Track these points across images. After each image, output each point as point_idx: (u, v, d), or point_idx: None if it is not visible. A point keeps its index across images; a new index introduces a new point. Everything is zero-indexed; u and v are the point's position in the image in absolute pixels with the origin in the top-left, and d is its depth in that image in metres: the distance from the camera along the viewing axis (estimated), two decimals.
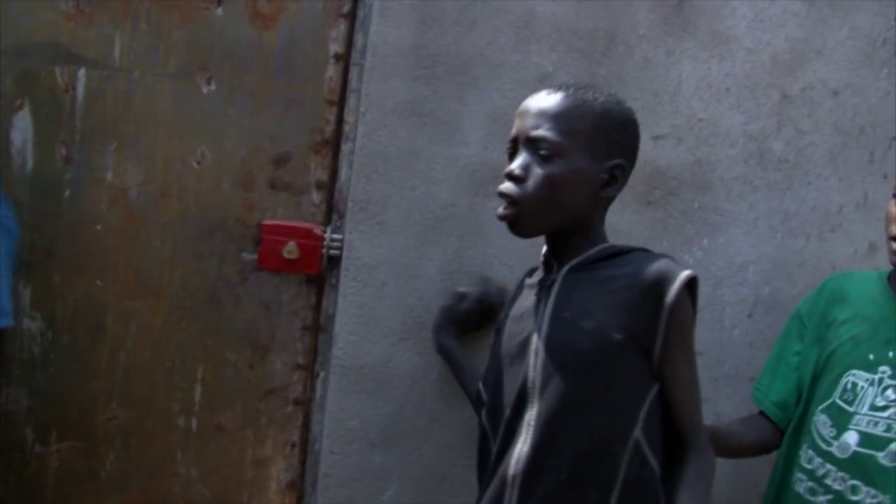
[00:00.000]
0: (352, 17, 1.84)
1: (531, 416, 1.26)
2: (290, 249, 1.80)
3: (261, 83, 1.83)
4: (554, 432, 1.25)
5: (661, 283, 1.27)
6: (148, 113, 1.80)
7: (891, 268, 1.59)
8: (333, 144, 1.85)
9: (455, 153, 1.79)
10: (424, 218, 1.78)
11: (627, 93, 1.85)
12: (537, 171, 1.29)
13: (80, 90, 1.78)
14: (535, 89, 1.78)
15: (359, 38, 1.83)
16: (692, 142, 1.89)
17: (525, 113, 1.34)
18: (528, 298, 1.39)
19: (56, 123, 1.78)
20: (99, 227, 1.80)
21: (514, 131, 1.36)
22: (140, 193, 1.81)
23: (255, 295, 1.85)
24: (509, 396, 1.31)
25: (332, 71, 1.85)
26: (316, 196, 1.85)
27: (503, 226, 1.80)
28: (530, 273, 1.48)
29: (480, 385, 1.47)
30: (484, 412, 1.41)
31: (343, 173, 1.83)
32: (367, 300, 1.77)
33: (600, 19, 1.84)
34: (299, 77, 1.84)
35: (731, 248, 1.91)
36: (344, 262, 1.78)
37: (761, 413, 1.72)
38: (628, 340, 1.26)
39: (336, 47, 1.84)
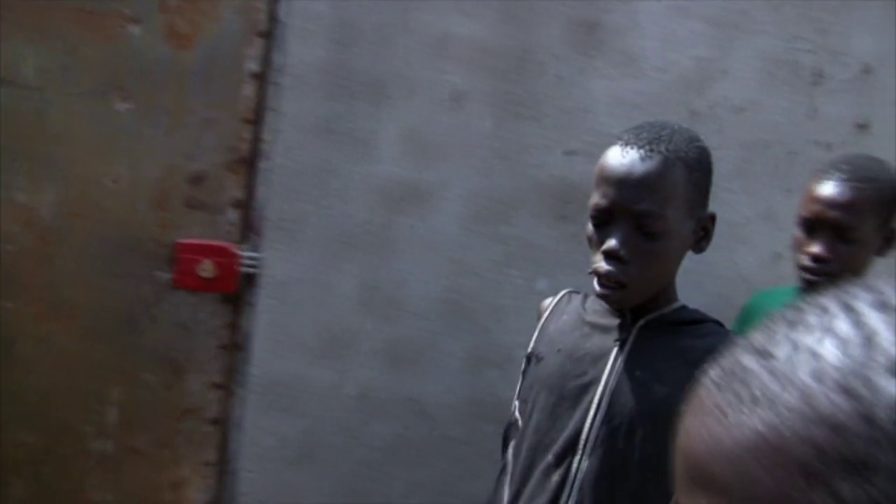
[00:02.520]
0: (269, 36, 1.88)
1: (579, 470, 1.21)
2: (207, 268, 1.82)
3: (177, 102, 1.85)
4: (605, 493, 1.20)
5: None
6: (62, 132, 1.81)
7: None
8: (250, 163, 1.87)
9: (370, 171, 1.83)
10: (340, 235, 1.82)
11: (540, 110, 1.91)
12: (643, 251, 1.19)
13: None
14: (449, 107, 1.85)
15: (276, 57, 1.87)
16: None
17: (621, 182, 1.20)
18: (590, 339, 1.29)
19: None
20: (10, 248, 1.80)
21: (604, 200, 1.21)
22: (54, 214, 1.81)
23: (172, 314, 1.86)
24: (553, 441, 1.24)
25: (248, 89, 1.88)
26: (232, 214, 1.87)
27: (418, 242, 1.85)
28: (569, 295, 1.41)
29: (516, 412, 1.37)
30: (513, 444, 1.33)
31: (260, 191, 1.85)
32: (282, 318, 1.79)
33: (514, 39, 1.91)
34: (216, 96, 1.87)
35: None
36: (260, 280, 1.80)
37: None
38: None
39: (253, 66, 1.88)
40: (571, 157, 1.95)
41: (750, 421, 0.37)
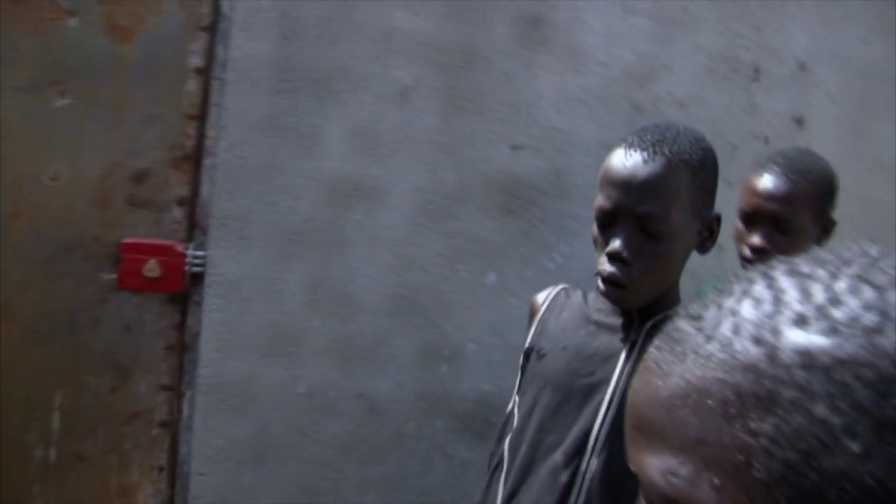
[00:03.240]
0: (212, 30, 1.85)
1: (588, 471, 1.21)
2: (152, 268, 1.79)
3: (118, 97, 1.81)
4: (615, 494, 1.20)
5: None
6: None
7: None
8: (194, 160, 1.85)
9: (317, 167, 1.82)
10: (287, 232, 1.81)
11: (486, 105, 1.93)
12: (646, 252, 1.21)
13: None
14: (396, 102, 1.86)
15: (220, 52, 1.84)
16: (550, 152, 1.98)
17: (624, 184, 1.20)
18: (597, 338, 1.29)
19: None
20: None
21: (608, 202, 1.22)
22: None
23: (116, 316, 1.82)
24: (560, 440, 1.24)
25: (192, 85, 1.85)
26: (177, 212, 1.85)
27: (366, 238, 1.85)
28: (566, 291, 1.41)
29: (514, 407, 1.37)
30: (510, 438, 1.33)
31: (205, 189, 1.83)
32: (230, 317, 1.78)
33: (460, 34, 1.92)
34: (159, 91, 1.83)
35: (588, 253, 1.98)
36: (207, 279, 1.78)
37: None
38: None
39: (196, 61, 1.85)
40: (517, 152, 1.97)
41: (679, 371, 0.44)
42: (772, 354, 0.40)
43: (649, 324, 1.27)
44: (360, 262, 1.86)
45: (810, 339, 0.40)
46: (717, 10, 2.08)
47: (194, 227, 1.85)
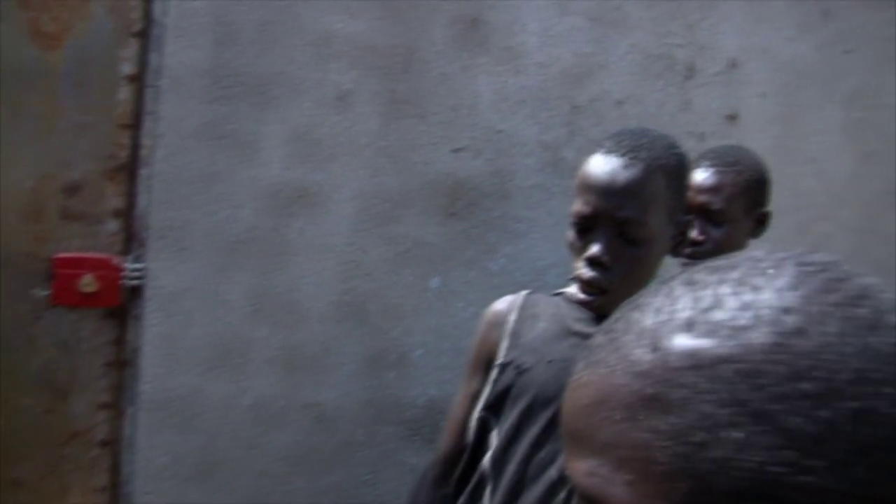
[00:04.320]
0: (144, 36, 1.81)
1: None
2: (88, 282, 1.74)
3: (47, 106, 1.76)
4: None
5: None
6: None
7: None
8: (130, 170, 1.81)
9: (257, 174, 1.80)
10: (228, 242, 1.78)
11: (427, 107, 1.93)
12: (625, 257, 1.21)
13: None
14: (335, 107, 1.85)
15: (153, 59, 1.80)
16: (491, 153, 1.99)
17: (604, 189, 1.21)
18: (579, 348, 1.25)
19: None
20: None
21: (587, 208, 1.23)
22: None
23: (51, 333, 1.77)
24: (554, 455, 1.22)
25: (125, 93, 1.81)
26: (113, 225, 1.80)
27: (309, 245, 1.84)
28: (530, 298, 1.39)
29: (493, 425, 1.32)
30: (492, 457, 1.30)
31: (141, 199, 1.79)
32: (172, 330, 1.74)
33: (398, 36, 1.91)
34: (90, 99, 1.79)
35: (532, 254, 2.03)
36: (146, 293, 1.75)
37: None
38: None
39: (128, 68, 1.81)
40: (458, 155, 1.98)
41: (594, 381, 0.49)
42: (664, 359, 0.45)
43: None
44: (303, 269, 1.84)
45: (695, 342, 0.44)
46: (651, 10, 2.12)
47: (131, 240, 1.80)
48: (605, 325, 0.52)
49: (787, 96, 2.29)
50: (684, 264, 1.68)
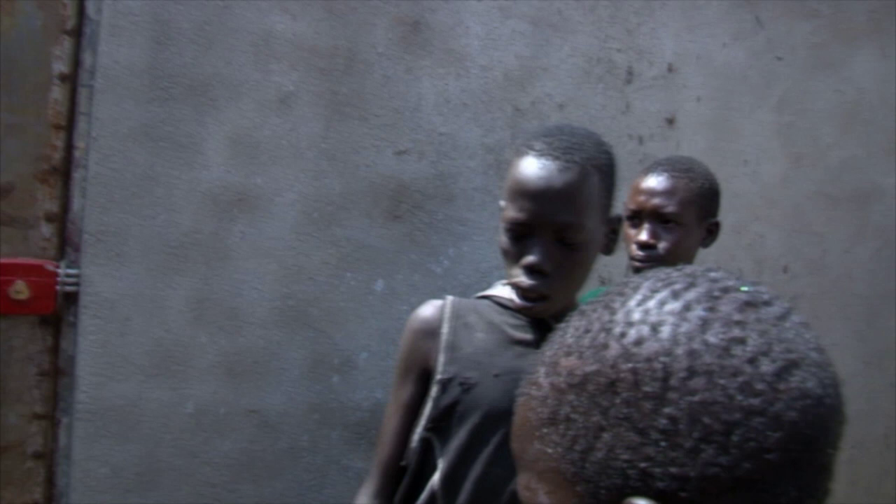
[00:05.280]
0: (77, 34, 1.76)
1: None
2: (19, 289, 1.69)
3: None
4: None
5: None
6: None
7: None
8: (63, 172, 1.76)
9: (196, 177, 1.77)
10: (167, 246, 1.75)
11: (369, 110, 1.93)
12: (565, 262, 1.20)
13: None
14: (276, 109, 1.83)
15: (86, 58, 1.76)
16: (434, 156, 2.00)
17: (540, 195, 1.18)
18: (527, 358, 1.22)
19: None
20: None
21: (522, 214, 1.20)
22: None
23: None
24: (511, 470, 1.16)
25: (57, 93, 1.76)
26: (46, 229, 1.75)
27: (250, 249, 1.82)
28: (455, 305, 1.35)
29: (436, 445, 1.28)
30: (442, 477, 1.26)
31: (76, 203, 1.74)
32: (110, 337, 1.70)
33: (340, 38, 1.90)
34: (19, 99, 1.73)
35: (475, 256, 2.05)
36: (82, 299, 1.70)
37: None
38: None
39: (61, 67, 1.76)
40: (402, 157, 1.98)
41: (519, 405, 0.58)
42: (552, 382, 0.54)
43: None
44: (245, 274, 1.82)
45: (571, 364, 0.53)
46: (591, 14, 2.16)
47: (65, 245, 1.75)
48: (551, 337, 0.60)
49: (721, 101, 2.36)
50: (635, 269, 1.71)
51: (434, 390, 1.28)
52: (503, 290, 1.36)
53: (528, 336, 1.28)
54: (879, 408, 2.83)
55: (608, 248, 1.30)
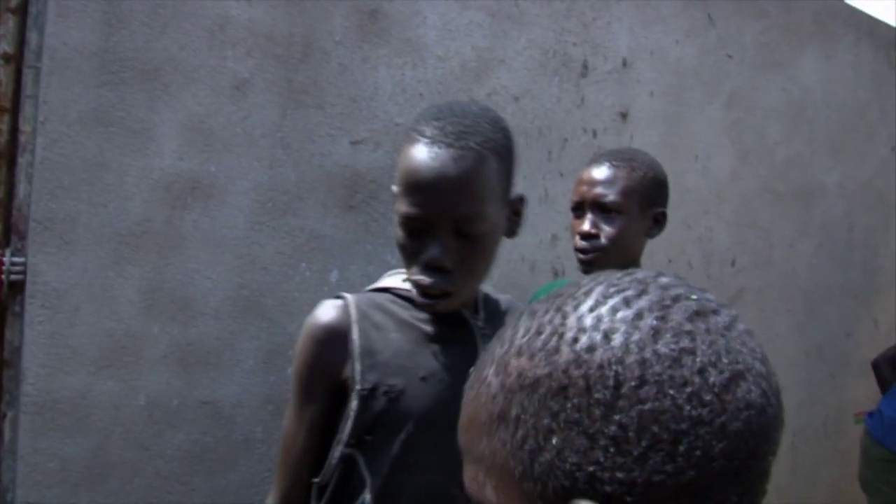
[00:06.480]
0: (22, 13, 1.71)
1: None
2: None
3: None
4: None
5: None
6: None
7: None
8: (8, 157, 1.71)
9: (148, 164, 1.74)
10: (118, 235, 1.71)
11: (325, 98, 1.92)
12: (467, 255, 1.13)
13: None
14: (231, 96, 1.81)
15: (32, 38, 1.71)
16: (389, 145, 2.00)
17: (434, 188, 1.10)
18: (450, 357, 1.19)
19: None
20: None
21: (416, 209, 1.12)
22: None
23: None
24: (446, 472, 1.09)
25: (1, 74, 1.70)
26: None
27: (203, 238, 1.80)
28: (355, 304, 1.24)
29: (360, 459, 1.19)
30: (375, 489, 1.17)
31: (21, 189, 1.69)
32: (58, 328, 1.66)
33: (296, 25, 1.89)
34: None
35: None
36: (29, 289, 1.66)
37: None
38: None
39: (5, 47, 1.70)
40: (357, 147, 1.98)
41: (466, 401, 0.58)
42: (504, 382, 0.54)
43: (479, 321, 1.24)
44: (198, 263, 1.79)
45: (522, 365, 0.53)
46: (548, 7, 2.18)
47: (10, 232, 1.70)
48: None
49: (673, 96, 2.41)
50: (580, 260, 1.74)
51: (354, 404, 1.17)
52: (398, 281, 1.29)
53: (442, 330, 1.21)
54: (819, 397, 2.93)
55: (511, 231, 1.24)
